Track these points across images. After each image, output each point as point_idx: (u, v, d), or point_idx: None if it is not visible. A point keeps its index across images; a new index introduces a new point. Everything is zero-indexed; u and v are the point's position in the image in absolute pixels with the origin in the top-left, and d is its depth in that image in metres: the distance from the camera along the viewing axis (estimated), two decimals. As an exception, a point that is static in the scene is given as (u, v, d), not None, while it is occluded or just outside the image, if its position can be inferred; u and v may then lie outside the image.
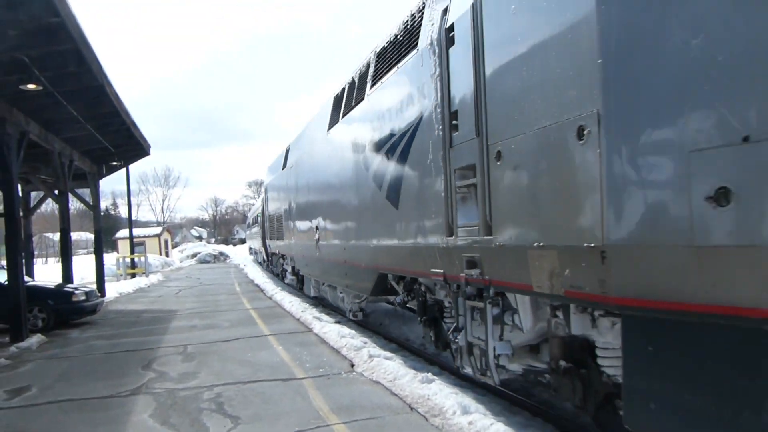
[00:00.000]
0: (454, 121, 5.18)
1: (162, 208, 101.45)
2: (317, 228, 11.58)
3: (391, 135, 6.81)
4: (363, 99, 8.16)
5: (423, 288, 6.80)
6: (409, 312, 8.33)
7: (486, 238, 4.65)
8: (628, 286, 3.23)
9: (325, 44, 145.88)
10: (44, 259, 57.66)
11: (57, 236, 17.34)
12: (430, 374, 6.53)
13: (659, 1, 2.94)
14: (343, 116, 9.33)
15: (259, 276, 24.51)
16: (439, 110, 5.45)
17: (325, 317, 11.70)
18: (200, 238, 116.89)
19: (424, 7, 6.02)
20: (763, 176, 2.56)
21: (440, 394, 5.76)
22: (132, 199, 28.64)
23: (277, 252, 19.89)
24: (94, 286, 16.27)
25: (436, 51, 5.48)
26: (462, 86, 5.00)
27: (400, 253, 6.83)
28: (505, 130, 4.33)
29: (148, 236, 45.68)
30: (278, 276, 21.00)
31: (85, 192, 20.60)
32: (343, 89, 9.58)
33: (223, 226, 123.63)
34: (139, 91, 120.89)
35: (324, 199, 10.95)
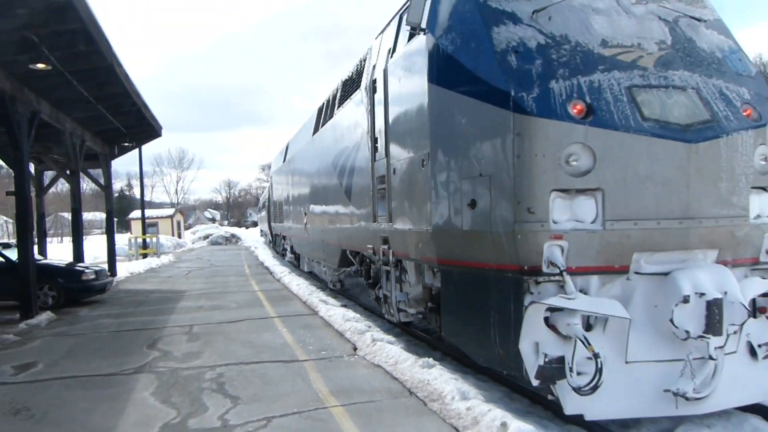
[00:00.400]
0: (376, 144, 7.62)
1: (176, 189, 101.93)
2: (305, 214, 14.17)
3: (346, 147, 9.41)
4: (332, 116, 10.83)
5: (367, 259, 9.02)
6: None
7: (390, 224, 7.15)
8: (441, 253, 5.63)
9: (344, 25, 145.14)
10: (59, 238, 58.28)
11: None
12: (431, 359, 6.51)
13: (452, 99, 5.17)
14: (321, 126, 12.06)
15: (269, 258, 24.60)
16: (368, 135, 8.00)
17: (331, 300, 11.73)
18: (213, 220, 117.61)
19: (365, 59, 8.52)
20: (488, 194, 4.66)
21: (440, 379, 5.74)
22: (146, 180, 28.79)
23: (279, 233, 23.47)
24: (105, 266, 16.45)
25: (368, 94, 7.94)
26: (379, 122, 7.45)
27: (352, 234, 9.36)
28: (397, 154, 6.77)
29: (161, 217, 46.08)
30: (281, 255, 23.69)
31: (99, 172, 20.76)
32: (323, 104, 12.36)
33: (236, 209, 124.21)
34: (150, 71, 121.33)
35: (309, 191, 13.72)
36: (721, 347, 4.13)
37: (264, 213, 33.94)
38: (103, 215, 34.82)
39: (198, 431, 4.93)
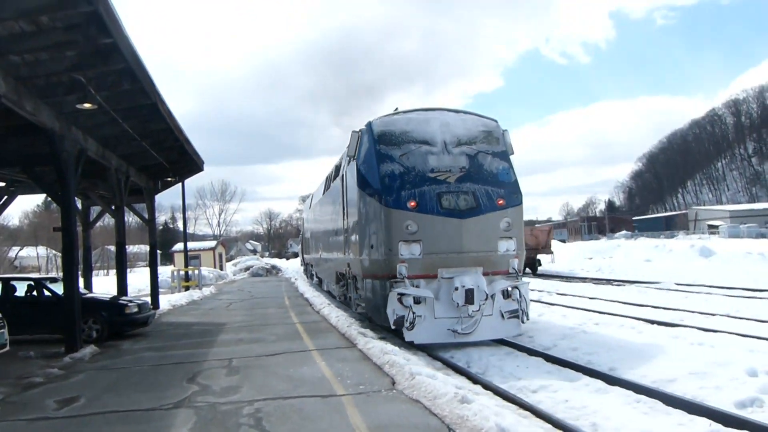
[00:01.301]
0: (344, 210, 12.98)
1: (218, 222, 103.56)
2: (320, 248, 20.69)
3: (334, 209, 15.25)
4: (328, 188, 16.62)
5: (344, 276, 14.65)
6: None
7: (350, 256, 12.40)
8: (366, 270, 11.23)
9: (381, 61, 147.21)
10: (105, 270, 59.68)
11: (115, 249, 18.01)
12: (470, 394, 6.36)
13: (365, 195, 10.99)
14: (324, 191, 18.27)
15: (309, 290, 24.66)
16: (341, 205, 13.53)
17: (369, 333, 11.64)
18: (254, 251, 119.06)
19: (341, 161, 13.84)
20: (377, 242, 10.56)
21: (480, 415, 5.61)
22: (188, 213, 29.39)
23: (308, 263, 29.55)
24: (148, 299, 16.74)
25: (342, 182, 13.18)
26: (346, 200, 12.77)
27: (338, 262, 15.18)
28: (349, 218, 12.11)
29: (203, 249, 46.83)
30: (311, 279, 28.67)
31: (143, 206, 21.31)
32: (328, 175, 17.49)
33: (276, 240, 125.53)
34: (191, 105, 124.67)
35: (321, 232, 19.96)
36: (477, 311, 9.93)
37: (300, 246, 40.16)
38: (147, 248, 35.74)
39: (235, 468, 4.88)
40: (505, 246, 10.81)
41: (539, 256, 33.64)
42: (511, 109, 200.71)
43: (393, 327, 10.19)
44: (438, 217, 10.47)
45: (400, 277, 10.23)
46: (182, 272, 29.88)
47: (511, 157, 11.59)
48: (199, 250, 46.24)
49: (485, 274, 10.48)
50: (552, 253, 34.68)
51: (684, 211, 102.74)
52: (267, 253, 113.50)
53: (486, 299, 10.26)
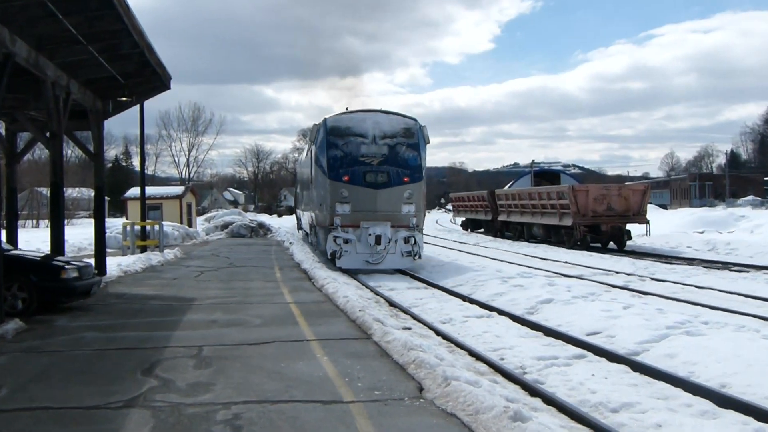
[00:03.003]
0: (312, 176, 27.04)
1: (187, 160, 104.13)
2: (304, 202, 33.84)
3: (309, 172, 27.94)
4: (307, 155, 30.31)
5: (312, 227, 28.91)
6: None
7: (314, 212, 26.63)
8: (318, 222, 26.15)
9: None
10: (35, 220, 60.50)
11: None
12: (525, 409, 6.43)
13: (319, 169, 24.73)
14: (306, 155, 31.60)
15: (308, 258, 24.99)
16: (310, 171, 27.58)
17: (390, 321, 11.78)
18: (235, 203, 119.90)
19: (313, 138, 26.40)
20: (323, 202, 24.50)
21: (538, 439, 5.67)
22: (149, 147, 29.59)
23: (299, 216, 43.18)
24: (91, 261, 17.03)
25: (310, 156, 27.69)
26: (311, 171, 26.94)
27: (309, 215, 29.86)
28: (313, 183, 26.37)
29: (167, 197, 47.35)
30: (309, 242, 34.49)
31: (87, 136, 21.47)
32: (310, 137, 27.33)
33: (266, 189, 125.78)
34: (158, 1, 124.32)
35: (305, 192, 32.49)
36: (383, 249, 23.03)
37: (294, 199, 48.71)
38: (91, 192, 36.02)
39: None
40: (407, 209, 23.37)
41: (629, 226, 33.46)
42: (596, 21, 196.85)
43: (329, 258, 23.38)
44: (362, 187, 23.23)
45: (335, 226, 23.14)
46: (138, 227, 30.31)
47: (427, 145, 24.72)
48: (162, 198, 46.76)
49: (393, 226, 23.18)
50: (647, 222, 34.42)
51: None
52: (253, 207, 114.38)
53: (389, 242, 23.01)
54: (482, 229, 52.74)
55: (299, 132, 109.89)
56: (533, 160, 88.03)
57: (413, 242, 23.11)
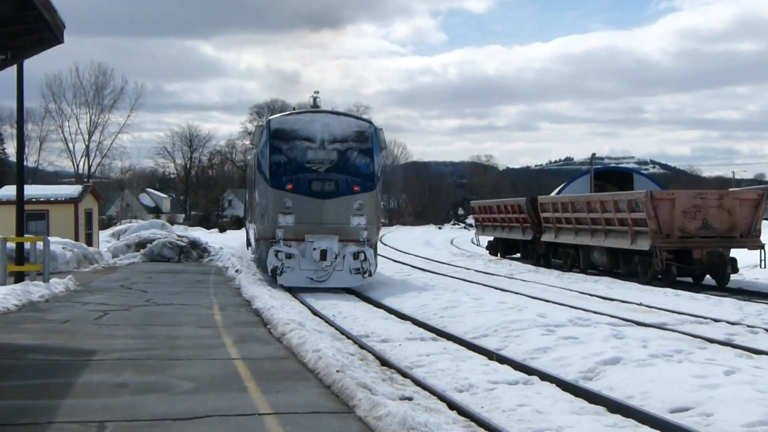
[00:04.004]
0: (254, 186, 38.01)
1: (87, 148, 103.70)
2: (251, 211, 44.33)
3: (253, 178, 39.38)
4: (253, 155, 39.59)
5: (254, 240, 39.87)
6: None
7: (256, 223, 36.22)
8: (259, 234, 34.80)
9: None
10: None
11: None
12: None
13: (260, 176, 33.03)
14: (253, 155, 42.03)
15: (263, 293, 25.03)
16: (254, 181, 38.33)
17: (382, 388, 11.77)
18: (157, 211, 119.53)
19: (256, 141, 34.28)
20: (264, 212, 32.78)
21: None
22: (29, 127, 29.61)
23: (248, 229, 50.31)
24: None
25: (254, 160, 37.95)
26: (254, 177, 37.02)
27: (255, 228, 37.76)
28: (255, 194, 36.84)
29: (56, 201, 46.90)
30: (264, 267, 37.50)
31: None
32: (252, 140, 36.08)
33: (203, 191, 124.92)
34: None
35: (251, 195, 43.07)
36: (329, 266, 30.41)
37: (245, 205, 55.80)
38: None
39: None
40: (357, 221, 29.94)
41: (734, 252, 33.10)
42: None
43: (270, 274, 30.48)
44: (307, 197, 30.13)
45: (277, 239, 29.89)
46: (11, 245, 30.14)
47: (381, 151, 32.16)
48: (48, 201, 46.39)
49: (340, 240, 29.67)
50: (762, 246, 33.89)
51: None
52: (183, 217, 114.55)
53: (336, 258, 29.58)
54: (518, 254, 53.06)
55: (252, 109, 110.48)
56: (593, 155, 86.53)
57: (363, 258, 29.94)
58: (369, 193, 29.45)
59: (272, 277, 30.13)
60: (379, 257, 36.72)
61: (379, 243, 39.68)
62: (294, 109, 33.04)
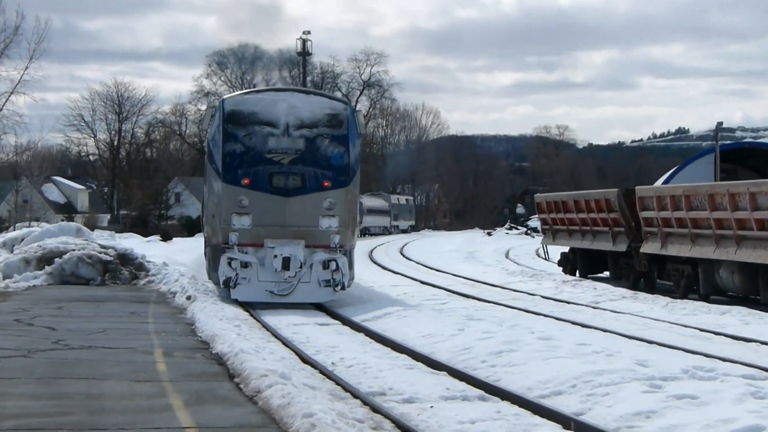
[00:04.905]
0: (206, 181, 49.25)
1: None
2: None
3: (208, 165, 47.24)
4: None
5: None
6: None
7: (207, 227, 46.82)
8: (208, 236, 45.55)
9: None
10: None
11: None
12: None
13: (211, 168, 42.52)
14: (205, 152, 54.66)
15: (229, 332, 24.93)
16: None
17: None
18: (69, 209, 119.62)
19: (210, 122, 44.97)
20: (217, 212, 41.15)
21: None
22: None
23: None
24: None
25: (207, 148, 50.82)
26: (206, 170, 49.11)
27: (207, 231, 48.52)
28: (206, 191, 48.59)
29: None
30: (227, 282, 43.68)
31: None
32: (203, 125, 56.27)
33: (138, 179, 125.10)
34: None
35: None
36: (293, 276, 37.03)
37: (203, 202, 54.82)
38: None
39: None
40: (327, 223, 36.44)
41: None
42: None
43: (222, 286, 36.90)
44: (267, 194, 36.70)
45: (231, 244, 36.12)
46: None
47: (360, 137, 40.13)
48: None
49: (307, 246, 36.01)
50: None
51: None
52: (109, 217, 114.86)
53: (301, 267, 35.54)
54: (605, 272, 52.93)
55: (210, 58, 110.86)
56: (719, 124, 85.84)
57: (335, 268, 35.37)
58: (342, 190, 33.83)
59: (225, 290, 34.62)
60: (400, 277, 41.69)
61: (399, 255, 44.09)
62: (254, 86, 33.27)
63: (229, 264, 31.59)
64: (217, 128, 34.03)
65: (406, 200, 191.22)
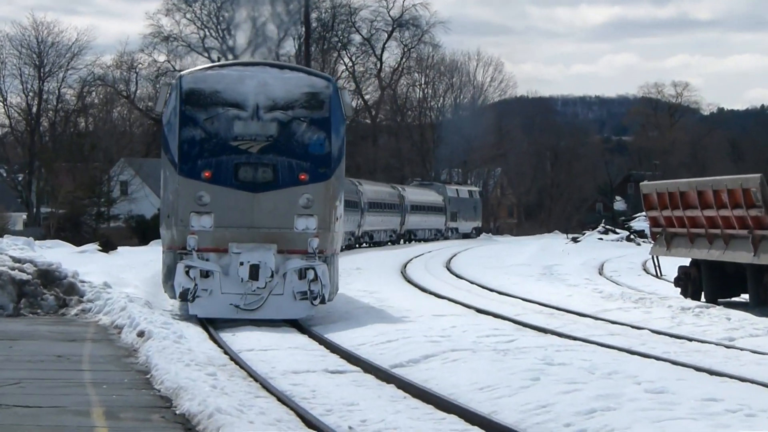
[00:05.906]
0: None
1: None
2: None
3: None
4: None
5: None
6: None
7: (162, 228, 63.12)
8: (164, 240, 59.51)
9: None
10: None
11: None
12: None
13: (166, 158, 54.95)
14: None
15: (201, 381, 24.94)
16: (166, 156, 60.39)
17: None
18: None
19: (164, 104, 55.79)
20: (173, 211, 55.05)
21: None
22: None
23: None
24: None
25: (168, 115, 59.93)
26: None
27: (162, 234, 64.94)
28: (162, 185, 64.54)
29: None
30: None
31: None
32: (158, 107, 61.83)
33: (65, 166, 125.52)
34: None
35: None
36: (262, 288, 48.11)
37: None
38: None
39: None
40: (304, 224, 46.39)
41: None
42: None
43: (178, 299, 47.64)
44: (231, 189, 47.09)
45: (189, 249, 45.99)
46: None
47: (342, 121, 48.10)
48: None
49: (280, 251, 46.09)
50: None
51: None
52: (24, 217, 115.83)
53: (273, 277, 45.34)
54: (744, 295, 52.76)
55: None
56: None
57: (313, 277, 40.78)
58: (322, 184, 37.71)
59: (179, 300, 39.55)
60: (445, 302, 42.52)
61: (444, 270, 46.90)
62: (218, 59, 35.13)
63: (187, 273, 34.21)
64: (173, 111, 36.22)
65: (470, 192, 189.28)
